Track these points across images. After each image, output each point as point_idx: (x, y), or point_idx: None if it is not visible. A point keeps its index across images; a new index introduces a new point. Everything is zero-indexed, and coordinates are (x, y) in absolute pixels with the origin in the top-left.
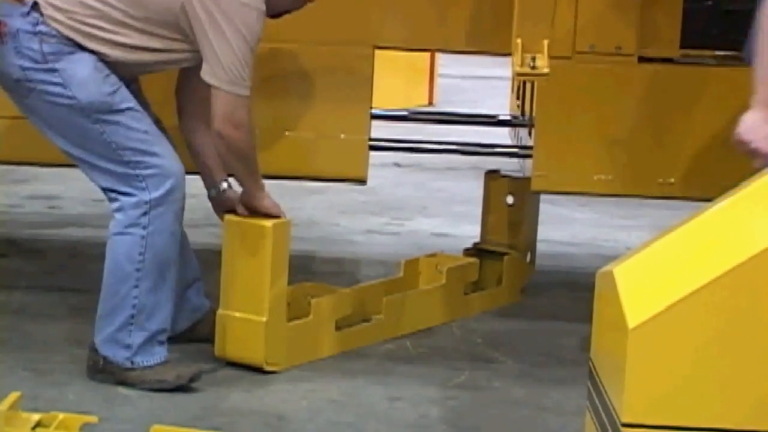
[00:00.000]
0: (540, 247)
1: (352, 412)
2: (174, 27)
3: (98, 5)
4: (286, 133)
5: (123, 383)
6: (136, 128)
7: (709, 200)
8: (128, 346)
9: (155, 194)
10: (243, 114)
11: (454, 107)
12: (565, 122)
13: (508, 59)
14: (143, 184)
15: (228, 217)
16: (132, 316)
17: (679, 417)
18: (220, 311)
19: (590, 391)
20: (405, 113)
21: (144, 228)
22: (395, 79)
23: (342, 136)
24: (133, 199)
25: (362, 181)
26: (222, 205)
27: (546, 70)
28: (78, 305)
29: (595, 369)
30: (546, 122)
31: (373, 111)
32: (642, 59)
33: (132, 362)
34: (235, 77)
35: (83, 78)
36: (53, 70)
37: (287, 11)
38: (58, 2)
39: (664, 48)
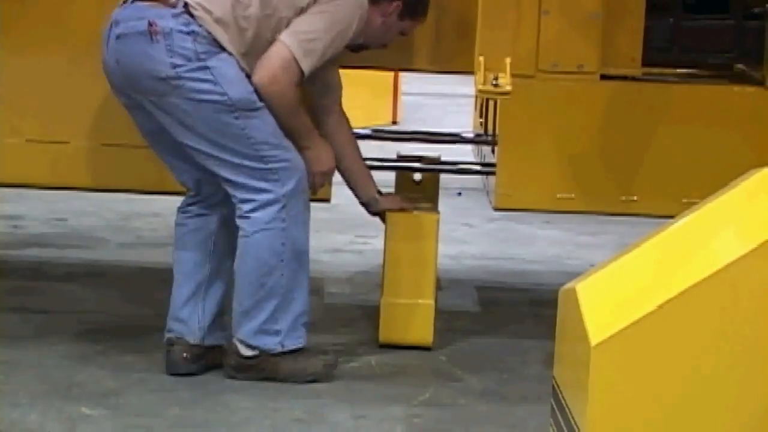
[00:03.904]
0: (504, 264)
1: (316, 431)
2: None
3: (239, 7)
4: None
5: (273, 379)
6: (270, 123)
7: (671, 217)
8: (277, 332)
9: (288, 187)
10: (286, 78)
11: (418, 125)
12: (528, 140)
13: (471, 77)
14: (276, 177)
15: (391, 213)
16: (279, 303)
17: None
18: (385, 300)
19: (554, 408)
20: (369, 132)
21: (283, 221)
22: (359, 97)
23: None
24: (269, 196)
25: (326, 200)
26: (379, 208)
27: (508, 89)
28: (41, 325)
29: (558, 386)
30: (509, 140)
31: None
32: (604, 77)
33: (282, 345)
34: (305, 48)
35: (233, 76)
36: (205, 68)
37: (367, 47)
38: (206, 4)
39: (626, 66)
